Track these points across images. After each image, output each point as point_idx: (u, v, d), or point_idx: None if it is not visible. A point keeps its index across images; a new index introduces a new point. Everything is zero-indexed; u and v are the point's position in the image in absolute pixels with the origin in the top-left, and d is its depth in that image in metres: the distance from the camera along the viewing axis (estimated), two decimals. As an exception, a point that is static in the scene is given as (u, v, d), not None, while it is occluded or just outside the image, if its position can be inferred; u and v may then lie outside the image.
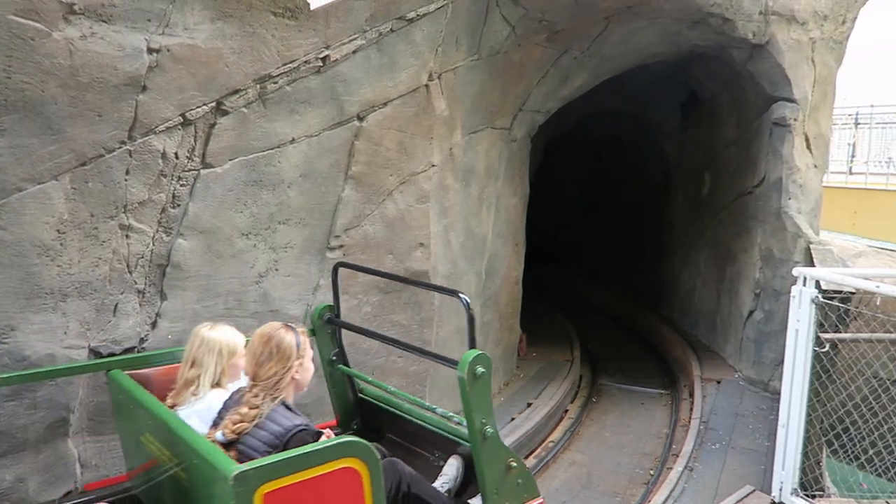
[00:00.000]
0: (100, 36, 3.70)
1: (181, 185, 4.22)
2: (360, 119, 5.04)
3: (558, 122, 10.40)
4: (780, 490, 5.10)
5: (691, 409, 7.94)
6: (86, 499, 3.38)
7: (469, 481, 3.54)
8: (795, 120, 8.30)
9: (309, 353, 3.03)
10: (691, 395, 8.43)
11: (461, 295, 3.18)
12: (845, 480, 5.38)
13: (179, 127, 4.12)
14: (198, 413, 3.06)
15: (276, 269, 4.77)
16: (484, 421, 3.11)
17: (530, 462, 6.83)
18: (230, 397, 3.02)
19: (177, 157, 4.15)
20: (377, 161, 5.22)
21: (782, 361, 5.17)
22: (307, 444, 2.63)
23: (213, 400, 3.09)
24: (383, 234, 5.38)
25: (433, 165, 5.68)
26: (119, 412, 3.48)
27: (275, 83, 4.49)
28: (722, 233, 9.79)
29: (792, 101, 8.31)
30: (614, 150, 14.13)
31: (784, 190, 8.29)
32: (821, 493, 5.13)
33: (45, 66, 3.55)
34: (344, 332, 4.05)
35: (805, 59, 8.37)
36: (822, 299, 4.82)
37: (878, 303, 4.80)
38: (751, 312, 8.65)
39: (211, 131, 4.27)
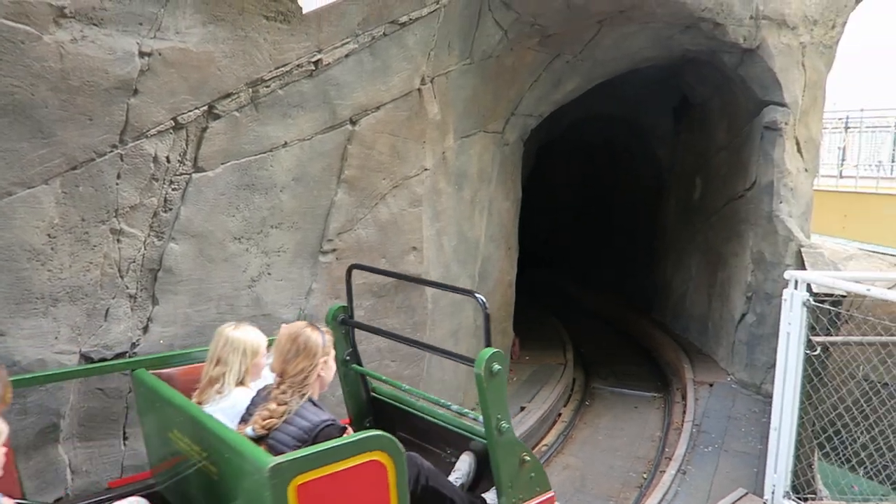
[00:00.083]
0: (91, 39, 3.68)
1: (173, 189, 4.21)
2: (353, 123, 5.04)
3: (551, 125, 10.42)
4: (773, 493, 5.11)
5: (684, 413, 7.96)
6: (110, 496, 3.45)
7: (481, 476, 3.66)
8: (786, 124, 8.35)
9: (332, 351, 3.14)
10: (684, 398, 8.45)
11: (477, 295, 3.29)
12: (837, 483, 5.39)
13: (171, 131, 4.10)
14: (223, 410, 3.14)
15: (269, 274, 4.75)
16: (500, 416, 3.22)
17: (523, 466, 6.81)
18: (257, 394, 3.11)
19: (168, 161, 4.13)
20: (370, 165, 5.21)
21: (774, 364, 5.18)
22: (334, 438, 2.75)
23: (238, 398, 3.18)
24: (376, 238, 5.38)
25: (426, 169, 5.67)
26: (145, 410, 3.57)
27: (267, 87, 4.48)
28: (714, 237, 9.83)
29: (782, 105, 8.36)
30: (606, 154, 14.17)
31: (775, 193, 8.33)
32: (813, 495, 5.14)
33: (36, 69, 3.53)
34: None
35: (795, 64, 8.43)
36: (813, 302, 4.84)
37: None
38: (742, 316, 8.69)
39: (203, 135, 4.25)
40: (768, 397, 6.49)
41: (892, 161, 17.85)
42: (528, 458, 3.41)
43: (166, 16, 3.93)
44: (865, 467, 5.26)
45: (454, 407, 3.81)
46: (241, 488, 2.70)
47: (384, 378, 4.20)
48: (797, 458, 5.03)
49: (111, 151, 3.88)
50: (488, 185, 7.36)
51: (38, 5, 3.49)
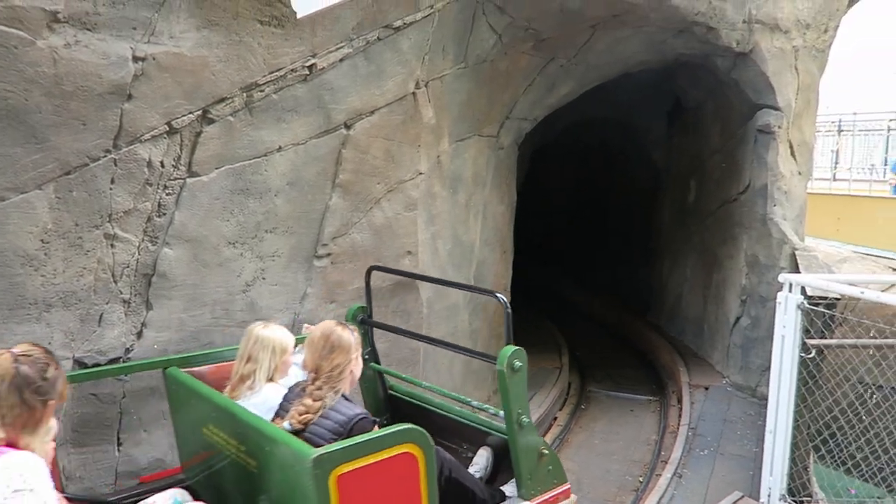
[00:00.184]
0: (84, 44, 3.67)
1: (167, 194, 4.19)
2: (348, 127, 5.03)
3: (545, 129, 10.43)
4: (769, 496, 5.12)
5: (680, 416, 7.96)
6: (142, 490, 3.56)
7: (498, 471, 3.80)
8: (779, 127, 8.38)
9: (360, 349, 3.25)
10: (679, 401, 8.46)
11: (498, 295, 3.47)
12: (832, 485, 5.40)
13: (165, 135, 4.09)
14: (254, 406, 3.25)
15: (263, 278, 4.74)
16: (520, 411, 3.39)
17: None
18: (290, 390, 3.23)
19: (162, 166, 4.12)
20: (364, 169, 5.21)
21: (769, 367, 5.19)
22: (368, 431, 2.89)
23: (268, 394, 3.34)
24: (371, 242, 5.37)
25: (420, 173, 5.67)
26: (177, 407, 3.70)
27: (261, 91, 4.48)
28: (708, 239, 9.85)
29: (776, 108, 8.39)
30: (601, 158, 14.19)
31: (769, 196, 8.36)
32: (808, 498, 5.16)
33: (29, 74, 3.52)
34: None
35: (788, 67, 8.46)
36: (807, 305, 4.86)
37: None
38: (737, 318, 8.70)
39: (197, 140, 4.24)
40: (763, 400, 6.50)
41: (885, 164, 17.96)
42: (546, 451, 3.56)
43: (160, 20, 3.92)
44: (861, 470, 5.27)
45: (474, 403, 3.94)
46: (282, 479, 2.82)
47: (404, 376, 4.35)
48: (793, 460, 5.04)
49: (105, 156, 3.87)
50: (483, 188, 7.37)
51: (32, 10, 3.48)
